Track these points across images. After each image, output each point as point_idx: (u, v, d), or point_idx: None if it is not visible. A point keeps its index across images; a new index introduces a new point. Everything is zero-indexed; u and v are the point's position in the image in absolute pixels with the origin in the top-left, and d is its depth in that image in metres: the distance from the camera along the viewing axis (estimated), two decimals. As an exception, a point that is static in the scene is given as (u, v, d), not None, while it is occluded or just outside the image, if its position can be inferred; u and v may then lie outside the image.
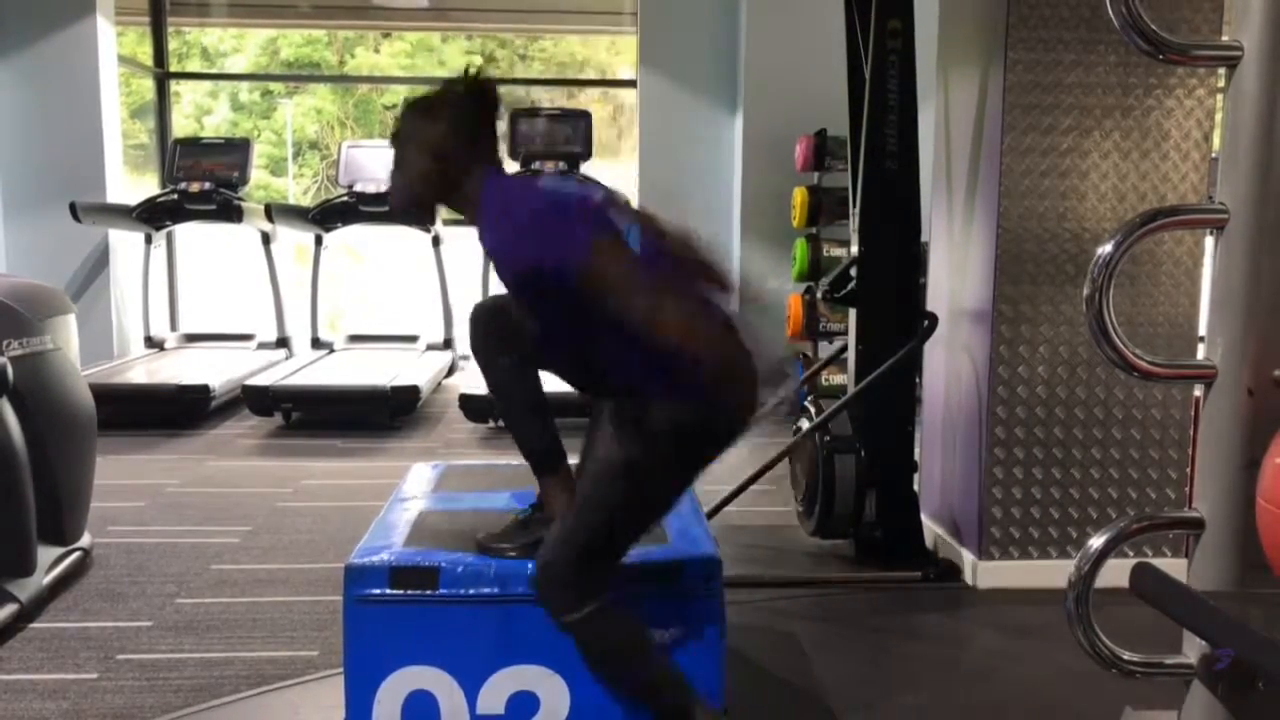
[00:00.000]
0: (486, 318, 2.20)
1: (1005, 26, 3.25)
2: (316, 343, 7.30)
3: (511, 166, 6.78)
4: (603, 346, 2.04)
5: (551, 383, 2.15)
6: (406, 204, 2.14)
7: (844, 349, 3.94)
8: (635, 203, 2.20)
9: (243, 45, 15.61)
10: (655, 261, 2.00)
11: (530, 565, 2.07)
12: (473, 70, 2.06)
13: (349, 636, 2.14)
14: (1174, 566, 1.79)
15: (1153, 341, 3.35)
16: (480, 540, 2.21)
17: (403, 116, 2.07)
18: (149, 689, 2.69)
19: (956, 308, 3.64)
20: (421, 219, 2.13)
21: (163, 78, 7.86)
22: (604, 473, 2.06)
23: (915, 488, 3.70)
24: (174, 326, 7.69)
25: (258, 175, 9.84)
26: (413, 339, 7.47)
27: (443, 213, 2.97)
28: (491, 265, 2.08)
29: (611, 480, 2.04)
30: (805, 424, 3.77)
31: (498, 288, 2.18)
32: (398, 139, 2.07)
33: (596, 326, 1.99)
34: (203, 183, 6.78)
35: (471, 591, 2.12)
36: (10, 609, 3.02)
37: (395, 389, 5.85)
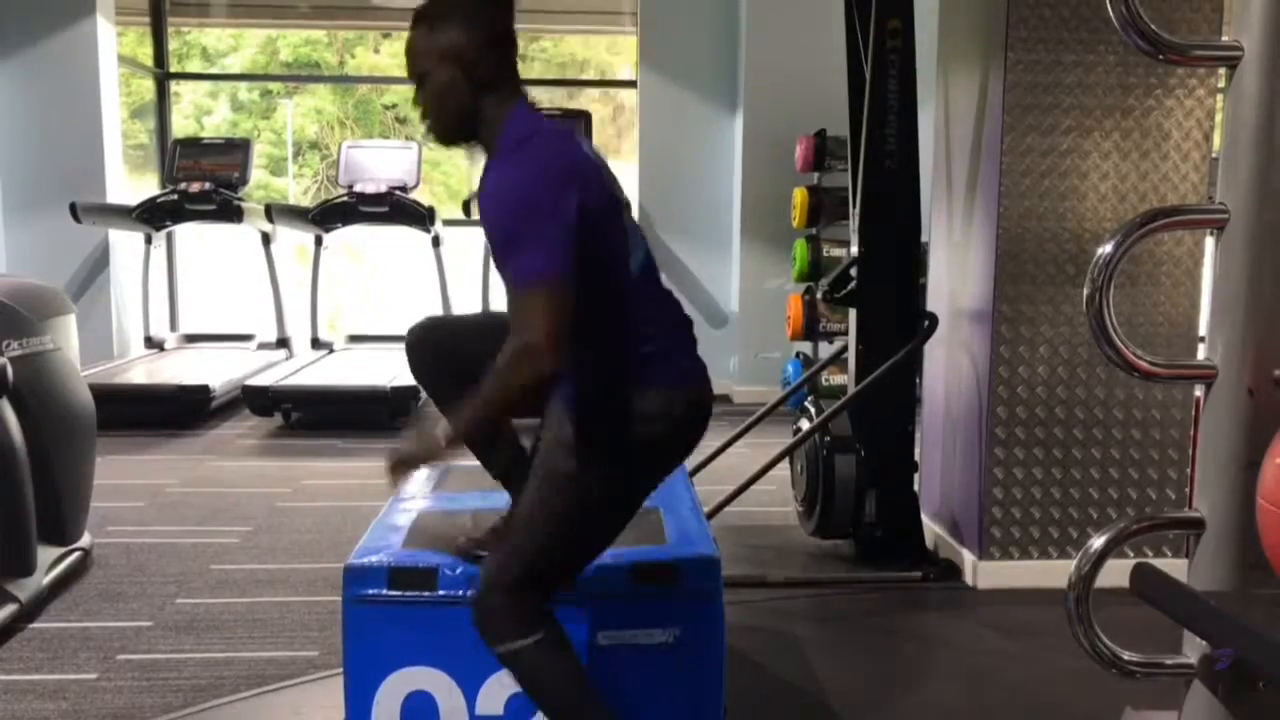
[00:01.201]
0: (421, 340, 2.14)
1: (1005, 26, 3.25)
2: (316, 343, 7.30)
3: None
4: None
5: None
6: (442, 132, 1.93)
7: (844, 349, 3.94)
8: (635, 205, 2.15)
9: (241, 44, 15.61)
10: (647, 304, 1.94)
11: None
12: None
13: (348, 637, 2.14)
14: (1174, 566, 1.79)
15: (1153, 341, 3.35)
16: (460, 546, 2.17)
17: (412, 28, 1.89)
18: (149, 689, 2.69)
19: (956, 308, 3.64)
20: (462, 141, 1.90)
21: (163, 78, 7.86)
22: (532, 491, 1.96)
23: (915, 488, 3.70)
24: (174, 327, 7.68)
25: (258, 175, 9.84)
26: (413, 339, 7.46)
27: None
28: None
29: (539, 500, 1.94)
30: (805, 424, 3.77)
31: (499, 288, 2.17)
32: (411, 55, 1.90)
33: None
34: (203, 183, 6.78)
35: (470, 592, 2.12)
36: (10, 609, 3.02)
37: (395, 389, 5.85)
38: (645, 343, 1.95)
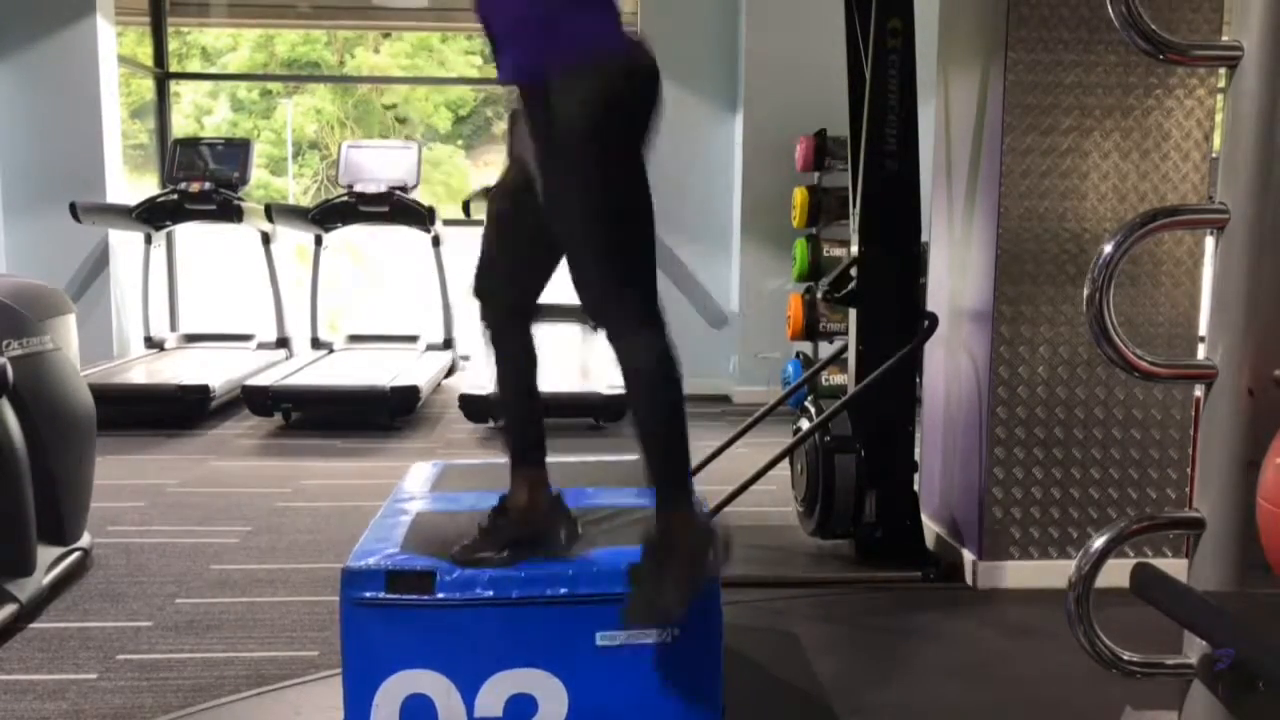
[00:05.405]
0: (485, 284, 2.17)
1: (1005, 26, 3.25)
2: (316, 343, 7.30)
3: (511, 166, 6.80)
4: None
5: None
6: None
7: (844, 349, 3.93)
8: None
9: (239, 42, 15.62)
10: None
11: (517, 570, 2.09)
12: None
13: (346, 640, 2.13)
14: (1174, 566, 1.79)
15: (1153, 341, 3.35)
16: (455, 555, 2.15)
17: None
18: (149, 689, 2.69)
19: (956, 308, 3.64)
20: None
21: (163, 78, 7.87)
22: (557, 190, 1.98)
23: (915, 488, 3.70)
24: (174, 326, 7.69)
25: (258, 175, 9.84)
26: (413, 339, 7.47)
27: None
28: None
29: (570, 189, 1.96)
30: (805, 424, 3.77)
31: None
32: None
33: None
34: (203, 183, 6.78)
35: (468, 595, 2.11)
36: (10, 609, 3.02)
37: (395, 389, 5.85)
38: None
